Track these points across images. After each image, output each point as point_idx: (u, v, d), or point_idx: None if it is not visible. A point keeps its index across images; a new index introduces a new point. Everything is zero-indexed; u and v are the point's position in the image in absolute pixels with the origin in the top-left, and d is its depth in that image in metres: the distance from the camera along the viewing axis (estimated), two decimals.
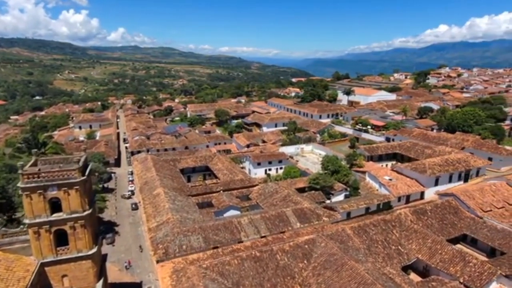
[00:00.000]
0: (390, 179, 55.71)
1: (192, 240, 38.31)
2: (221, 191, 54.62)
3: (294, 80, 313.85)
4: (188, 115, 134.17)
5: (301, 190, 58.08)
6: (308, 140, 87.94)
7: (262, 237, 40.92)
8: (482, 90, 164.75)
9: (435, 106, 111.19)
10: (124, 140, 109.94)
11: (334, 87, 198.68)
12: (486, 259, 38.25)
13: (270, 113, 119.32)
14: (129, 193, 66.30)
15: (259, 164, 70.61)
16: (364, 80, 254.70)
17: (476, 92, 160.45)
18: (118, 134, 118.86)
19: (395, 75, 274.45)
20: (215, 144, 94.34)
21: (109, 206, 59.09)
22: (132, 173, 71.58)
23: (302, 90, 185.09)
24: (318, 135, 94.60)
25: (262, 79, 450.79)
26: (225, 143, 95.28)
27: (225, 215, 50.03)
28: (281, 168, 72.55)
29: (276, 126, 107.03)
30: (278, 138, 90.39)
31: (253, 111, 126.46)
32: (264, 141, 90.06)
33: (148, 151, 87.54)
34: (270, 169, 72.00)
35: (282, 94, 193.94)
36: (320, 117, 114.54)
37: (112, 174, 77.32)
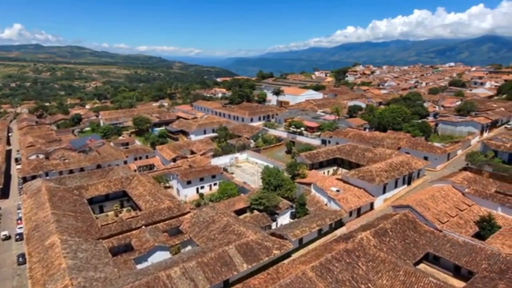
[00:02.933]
0: (338, 191, 50.50)
1: None
2: (143, 227, 43.21)
3: (219, 79, 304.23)
4: (101, 124, 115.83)
5: (241, 211, 50.01)
6: (242, 148, 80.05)
7: None
8: (396, 87, 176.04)
9: (362, 104, 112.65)
10: (16, 160, 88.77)
11: (261, 87, 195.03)
12: (454, 279, 34.81)
13: (197, 118, 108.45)
14: (16, 236, 50.15)
15: (189, 182, 60.18)
16: (288, 78, 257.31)
17: (392, 88, 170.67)
18: (8, 152, 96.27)
19: (316, 73, 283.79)
20: (135, 159, 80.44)
21: None
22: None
23: (229, 90, 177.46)
24: (251, 140, 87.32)
25: (185, 79, 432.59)
26: (147, 157, 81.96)
27: (149, 260, 39.18)
28: (215, 184, 63.32)
29: (205, 133, 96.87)
30: (208, 148, 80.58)
31: (178, 117, 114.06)
32: (193, 152, 79.44)
33: (47, 174, 70.40)
34: (202, 187, 62.18)
35: (208, 95, 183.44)
36: (252, 120, 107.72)
37: None
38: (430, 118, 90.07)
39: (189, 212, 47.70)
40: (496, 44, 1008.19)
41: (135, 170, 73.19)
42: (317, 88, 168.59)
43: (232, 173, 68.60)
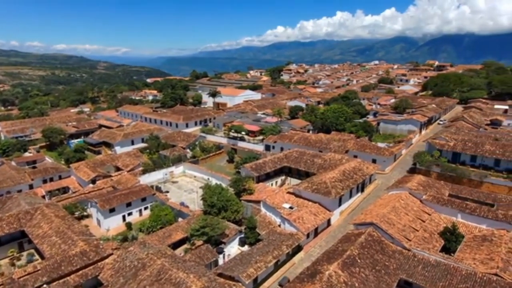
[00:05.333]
0: (291, 207, 44.38)
1: None
2: (45, 286, 31.94)
3: (149, 80, 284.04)
4: (2, 139, 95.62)
5: (180, 242, 41.20)
6: (178, 160, 70.21)
7: None
8: (330, 85, 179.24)
9: (302, 104, 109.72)
10: None
11: (195, 87, 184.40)
12: None
13: (123, 127, 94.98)
14: None
15: (112, 210, 49.05)
16: (223, 78, 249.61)
17: (326, 86, 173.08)
18: None
19: (251, 72, 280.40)
20: (44, 181, 65.31)
21: None
22: None
23: (161, 92, 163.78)
24: (188, 150, 77.74)
25: (112, 80, 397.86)
26: (60, 178, 67.33)
27: None
28: (146, 208, 52.91)
29: (133, 143, 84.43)
30: (137, 162, 69.15)
31: (101, 125, 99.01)
32: (118, 169, 67.37)
33: None
34: (130, 213, 51.39)
35: (137, 98, 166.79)
36: (187, 125, 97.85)
37: None
38: (371, 117, 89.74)
39: (111, 254, 37.31)
40: (406, 44, 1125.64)
41: (43, 196, 59.33)
42: (254, 87, 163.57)
43: (167, 192, 58.81)
